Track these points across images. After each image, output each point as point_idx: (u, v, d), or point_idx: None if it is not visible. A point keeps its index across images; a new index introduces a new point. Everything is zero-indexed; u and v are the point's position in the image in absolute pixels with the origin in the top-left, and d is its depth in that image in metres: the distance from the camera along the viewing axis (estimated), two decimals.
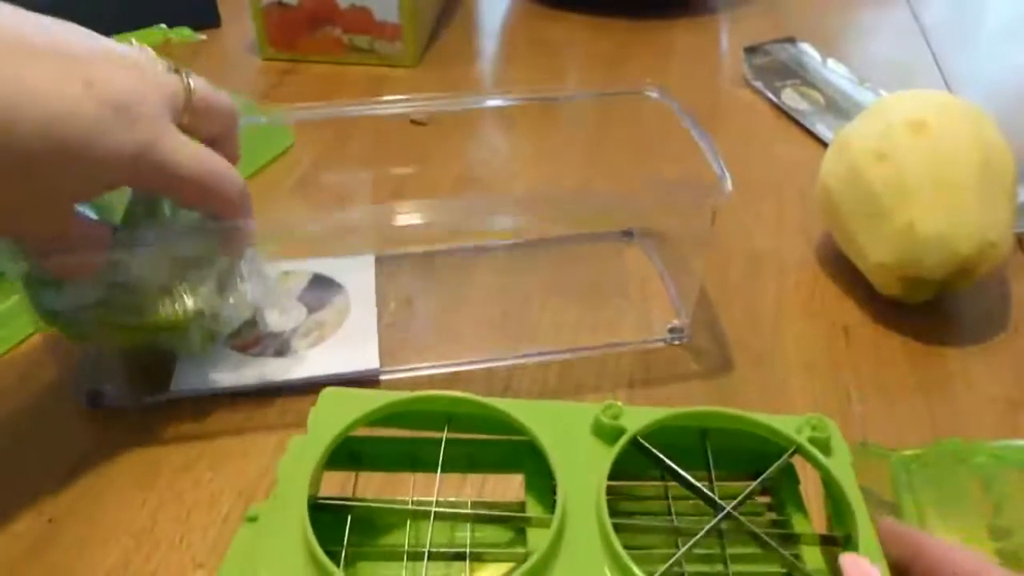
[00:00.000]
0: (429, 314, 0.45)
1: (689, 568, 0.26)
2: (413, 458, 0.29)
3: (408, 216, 0.36)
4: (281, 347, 0.41)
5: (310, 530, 0.23)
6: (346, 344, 0.41)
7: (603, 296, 0.45)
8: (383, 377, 0.40)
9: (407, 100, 0.45)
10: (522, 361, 0.41)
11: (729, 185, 0.38)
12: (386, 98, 0.44)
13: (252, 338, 0.41)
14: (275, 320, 0.42)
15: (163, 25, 0.59)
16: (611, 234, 0.50)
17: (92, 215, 0.34)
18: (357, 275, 0.45)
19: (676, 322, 0.42)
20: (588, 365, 0.41)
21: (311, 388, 0.38)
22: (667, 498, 0.28)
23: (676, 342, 0.42)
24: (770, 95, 0.64)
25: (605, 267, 0.48)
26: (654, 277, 0.47)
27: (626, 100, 0.47)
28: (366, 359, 0.40)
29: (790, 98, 0.64)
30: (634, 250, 0.49)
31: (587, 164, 0.56)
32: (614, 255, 0.49)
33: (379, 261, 0.47)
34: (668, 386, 0.40)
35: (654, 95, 0.44)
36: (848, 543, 0.26)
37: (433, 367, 0.41)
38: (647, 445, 0.27)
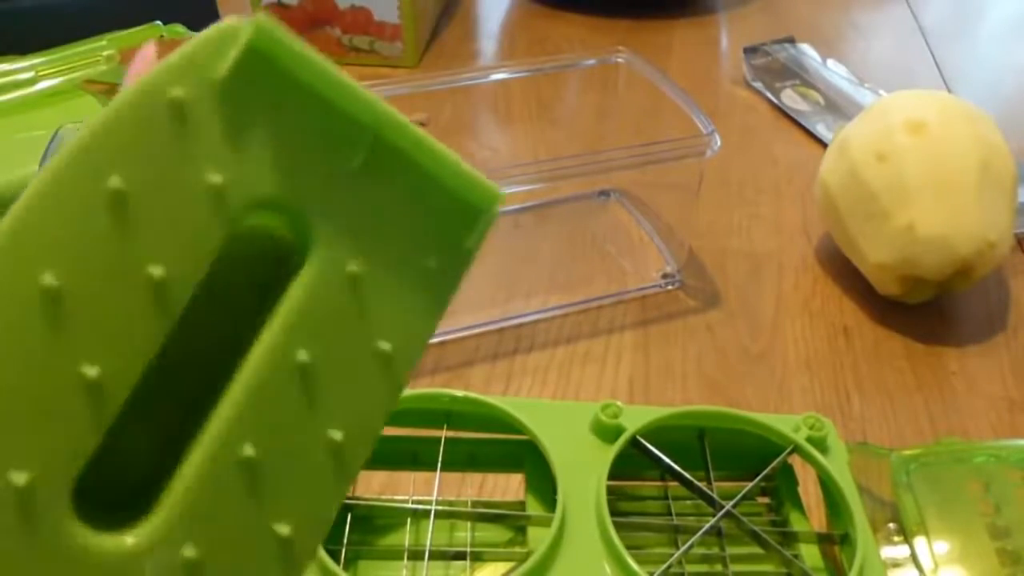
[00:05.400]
0: None
1: (689, 567, 0.26)
2: (413, 456, 0.29)
3: None
4: None
5: None
6: None
7: (597, 251, 0.50)
8: None
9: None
10: (534, 317, 0.44)
11: (718, 140, 0.41)
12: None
13: None
14: None
15: (158, 22, 0.59)
16: (591, 194, 0.54)
17: None
18: None
19: (667, 269, 0.47)
20: (595, 313, 0.44)
21: None
22: (666, 497, 0.29)
23: (670, 287, 0.46)
24: (770, 95, 0.64)
25: (592, 225, 0.52)
26: (638, 230, 0.51)
27: (608, 71, 0.50)
28: None
29: (790, 98, 0.64)
30: (615, 208, 0.53)
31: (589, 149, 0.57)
32: (599, 214, 0.53)
33: None
34: (665, 324, 0.44)
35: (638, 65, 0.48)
36: (845, 541, 0.26)
37: (450, 332, 0.43)
38: (646, 444, 0.27)
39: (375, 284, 0.11)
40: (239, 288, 0.11)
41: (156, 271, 0.10)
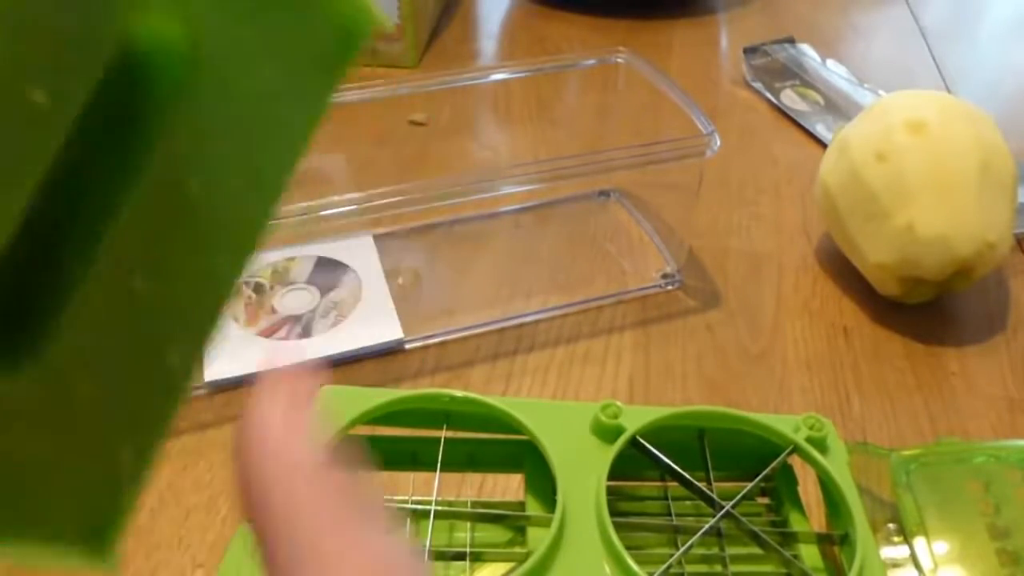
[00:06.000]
0: (437, 284, 0.47)
1: (688, 567, 0.26)
2: (412, 456, 0.29)
3: (398, 194, 0.38)
4: (304, 329, 0.42)
5: None
6: (367, 320, 0.42)
7: (597, 251, 0.50)
8: (408, 346, 0.42)
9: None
10: (534, 317, 0.44)
11: (718, 140, 0.41)
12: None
13: (274, 324, 0.42)
14: (291, 304, 0.43)
15: None
16: (591, 194, 0.54)
17: None
18: (360, 254, 0.47)
19: (667, 269, 0.47)
20: (595, 313, 0.44)
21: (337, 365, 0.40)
22: (666, 498, 0.28)
23: (670, 287, 0.46)
24: (769, 96, 0.64)
25: (592, 225, 0.52)
26: (638, 230, 0.51)
27: (608, 71, 0.50)
28: (390, 331, 0.42)
29: (789, 99, 0.64)
30: (615, 208, 0.53)
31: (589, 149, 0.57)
32: (599, 214, 0.53)
33: (377, 239, 0.48)
34: (665, 324, 0.44)
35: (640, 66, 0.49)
36: (845, 541, 0.26)
37: (451, 332, 0.43)
38: (646, 444, 0.27)
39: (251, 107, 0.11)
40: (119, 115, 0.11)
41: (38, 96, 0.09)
